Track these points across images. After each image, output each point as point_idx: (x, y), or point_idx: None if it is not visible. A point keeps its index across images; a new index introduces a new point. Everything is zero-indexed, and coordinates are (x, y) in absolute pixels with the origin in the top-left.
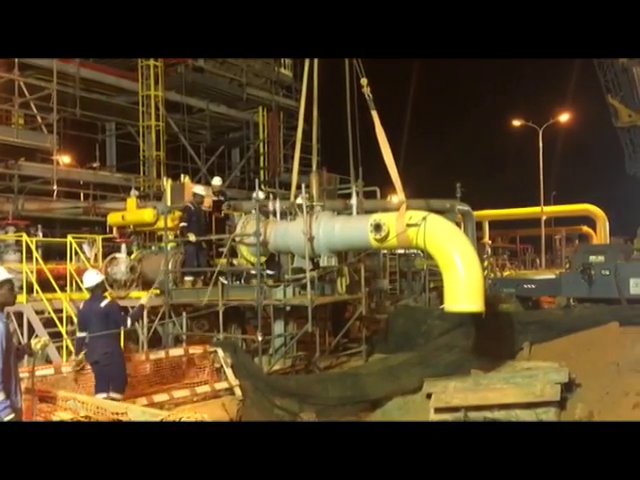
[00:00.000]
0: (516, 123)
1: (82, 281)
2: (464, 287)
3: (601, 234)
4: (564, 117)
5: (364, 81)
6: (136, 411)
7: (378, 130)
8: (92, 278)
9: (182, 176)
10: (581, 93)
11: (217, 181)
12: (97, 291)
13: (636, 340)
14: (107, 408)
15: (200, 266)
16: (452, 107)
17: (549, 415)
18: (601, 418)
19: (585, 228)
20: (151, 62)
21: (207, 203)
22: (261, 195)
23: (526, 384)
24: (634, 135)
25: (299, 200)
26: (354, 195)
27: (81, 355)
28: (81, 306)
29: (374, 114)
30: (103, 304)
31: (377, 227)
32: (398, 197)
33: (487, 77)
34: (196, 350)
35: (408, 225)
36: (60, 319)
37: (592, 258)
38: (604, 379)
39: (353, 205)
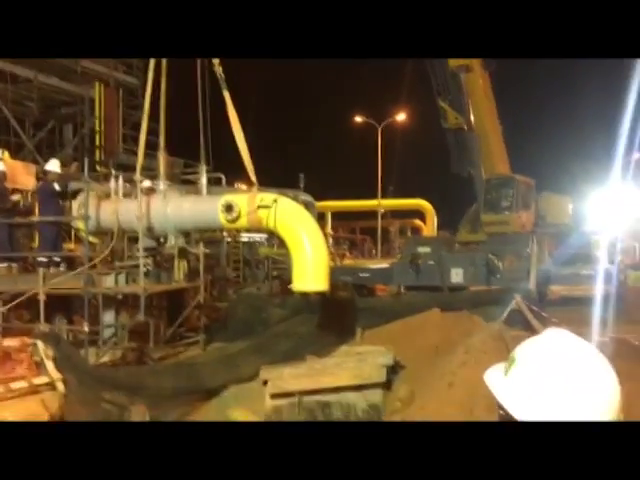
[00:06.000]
0: (358, 119)
1: None
2: (311, 268)
3: (430, 227)
4: (401, 116)
5: (216, 60)
6: None
7: (230, 110)
8: None
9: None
10: (418, 93)
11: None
12: None
13: (453, 324)
14: None
15: (15, 250)
16: (295, 102)
17: (375, 396)
18: (421, 397)
19: (417, 221)
20: None
21: (25, 181)
22: (56, 166)
23: (356, 367)
24: (459, 137)
25: (146, 182)
26: (203, 175)
27: None
28: None
29: (226, 94)
30: None
31: (228, 207)
32: (250, 178)
33: (329, 76)
34: (12, 342)
35: (259, 207)
36: None
37: (420, 249)
38: (425, 361)
39: (203, 185)
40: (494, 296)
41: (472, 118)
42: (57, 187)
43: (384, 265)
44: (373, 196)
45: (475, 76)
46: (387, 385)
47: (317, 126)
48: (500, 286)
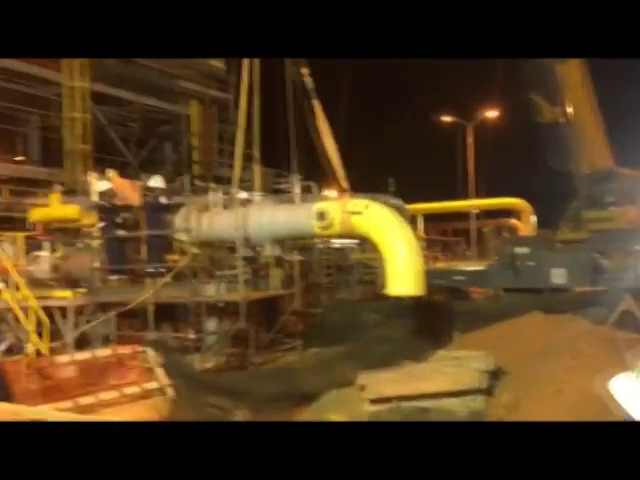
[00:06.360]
0: (445, 119)
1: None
2: (406, 272)
3: (527, 227)
4: (492, 113)
5: (305, 70)
6: (54, 416)
7: (320, 120)
8: None
9: (107, 170)
10: (508, 89)
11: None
12: None
13: (557, 328)
14: (23, 414)
15: (124, 263)
16: (380, 104)
17: (476, 403)
18: (526, 404)
19: (513, 221)
20: None
21: (132, 198)
22: (159, 183)
23: (455, 373)
24: (556, 131)
25: (242, 194)
26: (296, 184)
27: None
28: None
29: (315, 104)
30: None
31: (321, 215)
32: (340, 185)
33: (415, 74)
34: (125, 350)
35: (351, 213)
36: None
37: (518, 249)
38: (529, 366)
39: (296, 194)
40: (601, 297)
41: (569, 111)
42: (162, 201)
43: (479, 267)
44: (465, 197)
45: (571, 66)
46: (488, 391)
47: (404, 128)
48: (607, 286)
